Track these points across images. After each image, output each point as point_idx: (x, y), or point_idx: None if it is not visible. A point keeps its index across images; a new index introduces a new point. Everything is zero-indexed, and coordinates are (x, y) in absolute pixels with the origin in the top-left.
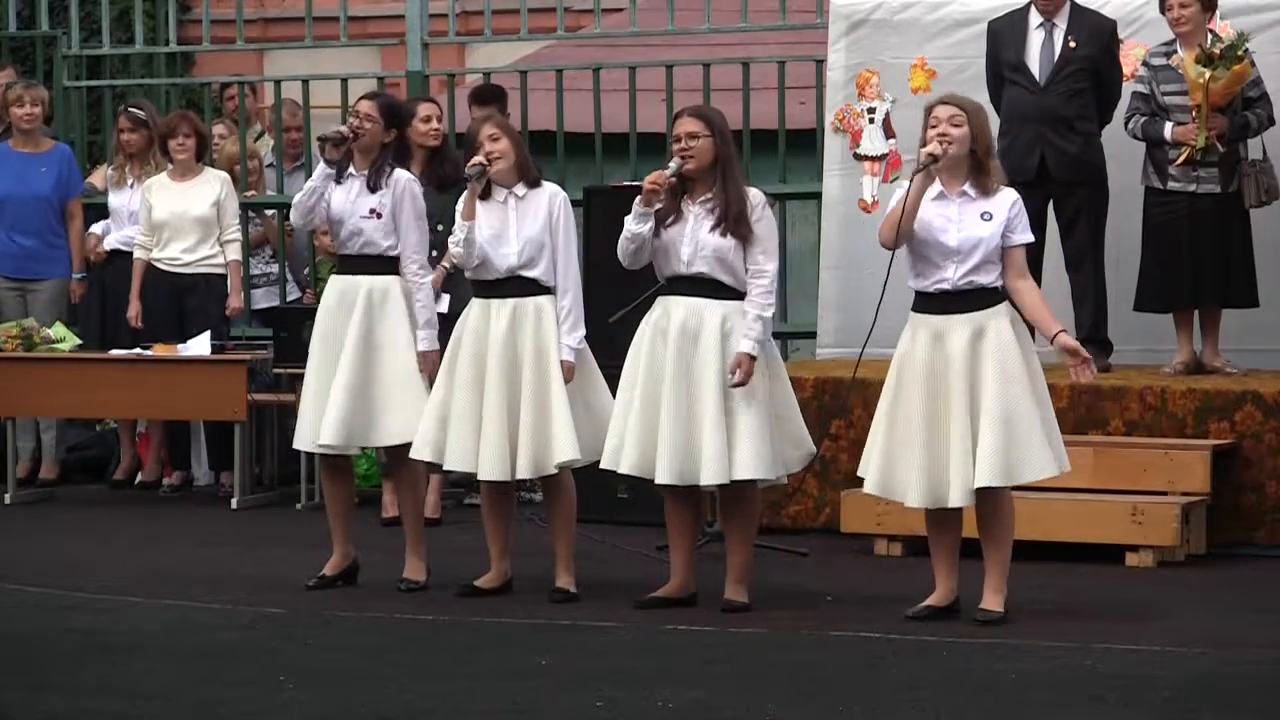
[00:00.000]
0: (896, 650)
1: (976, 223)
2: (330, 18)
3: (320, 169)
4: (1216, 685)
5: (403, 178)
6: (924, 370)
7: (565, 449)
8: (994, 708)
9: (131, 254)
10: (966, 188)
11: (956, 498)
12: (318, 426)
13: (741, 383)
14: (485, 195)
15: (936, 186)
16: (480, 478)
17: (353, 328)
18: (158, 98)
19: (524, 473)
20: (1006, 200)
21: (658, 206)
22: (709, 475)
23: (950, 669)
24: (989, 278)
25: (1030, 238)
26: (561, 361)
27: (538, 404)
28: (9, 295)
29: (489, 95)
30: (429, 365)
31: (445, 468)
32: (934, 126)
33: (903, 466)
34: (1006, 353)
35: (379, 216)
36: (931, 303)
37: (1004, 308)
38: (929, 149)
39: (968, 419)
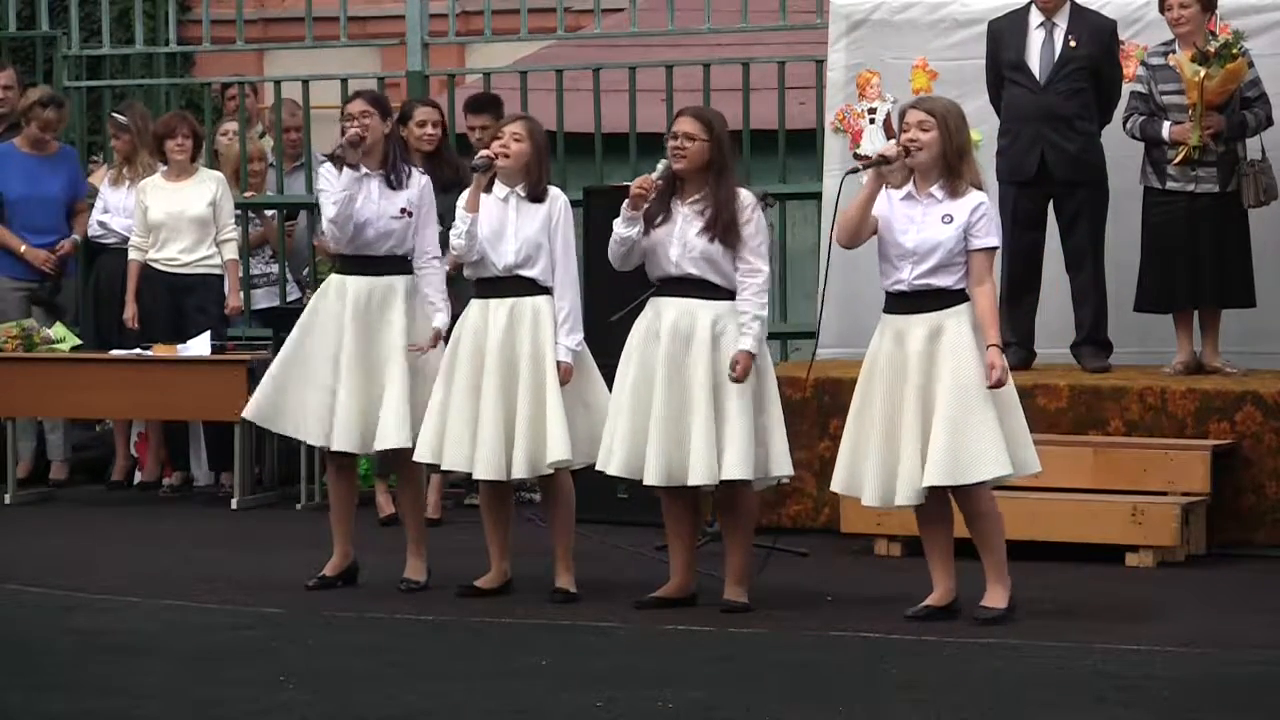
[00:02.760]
0: (896, 650)
1: (936, 225)
2: (330, 18)
3: (349, 174)
4: (1216, 685)
5: (422, 176)
6: (886, 370)
7: (558, 449)
8: (994, 708)
9: (116, 249)
10: (935, 189)
11: (904, 496)
12: (370, 429)
13: (740, 379)
14: (488, 191)
15: (908, 187)
16: (475, 476)
17: (400, 331)
18: (158, 98)
19: (519, 472)
20: (970, 203)
21: (644, 210)
22: (697, 476)
23: (950, 669)
24: (948, 280)
25: (993, 243)
26: (558, 363)
27: (533, 404)
28: (16, 296)
29: (483, 104)
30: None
31: (443, 467)
32: (905, 130)
33: (863, 464)
34: (961, 353)
35: (410, 215)
36: (893, 303)
37: (965, 308)
38: (881, 149)
39: (919, 418)
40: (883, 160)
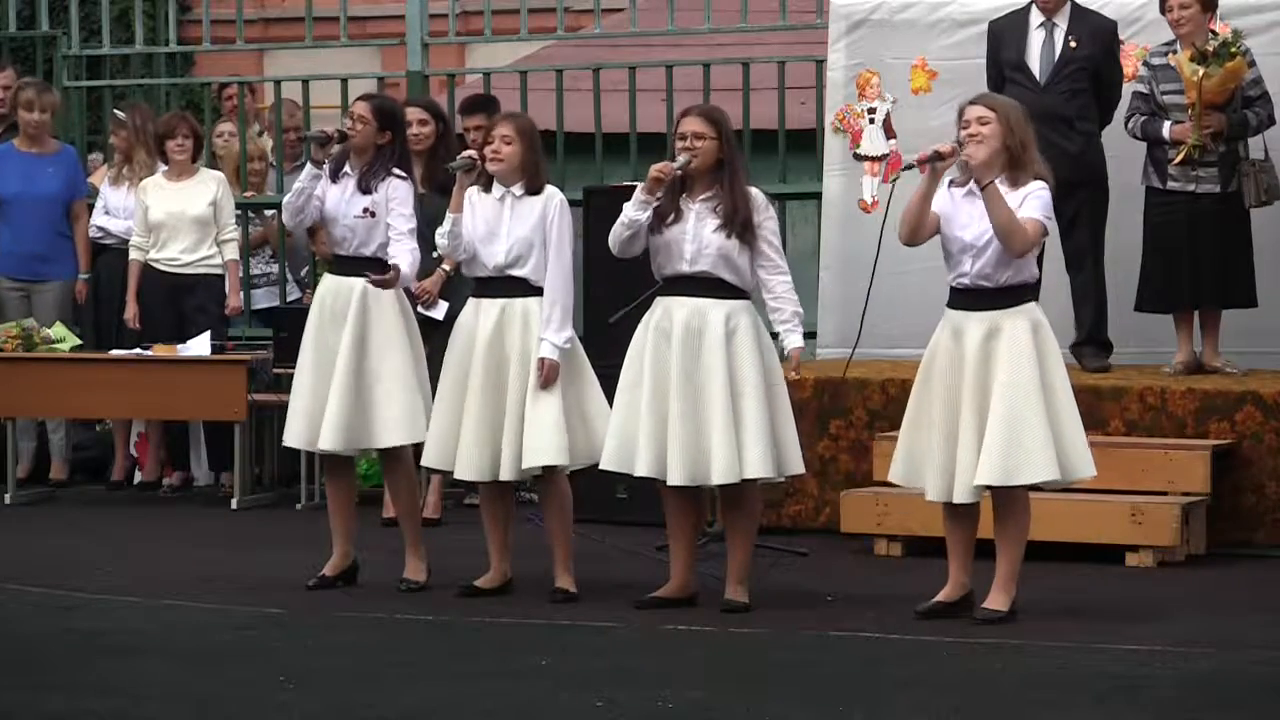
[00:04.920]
0: (896, 650)
1: None
2: (330, 18)
3: (308, 169)
4: (1216, 685)
5: (394, 178)
6: (944, 365)
7: (544, 453)
8: (994, 708)
9: (116, 249)
10: (997, 183)
11: (961, 494)
12: (315, 428)
13: (798, 374)
14: (487, 190)
15: (970, 184)
16: (456, 476)
17: (348, 329)
18: (158, 98)
19: (506, 474)
20: (1026, 190)
21: (659, 196)
22: (720, 475)
23: (950, 669)
24: (1007, 277)
25: (1036, 215)
26: (541, 360)
27: (521, 406)
28: (13, 296)
29: (477, 105)
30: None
31: (422, 464)
32: (965, 127)
33: (924, 458)
34: (1019, 355)
35: (372, 216)
36: (955, 298)
37: (1026, 309)
38: (937, 146)
39: (976, 418)
40: (937, 156)
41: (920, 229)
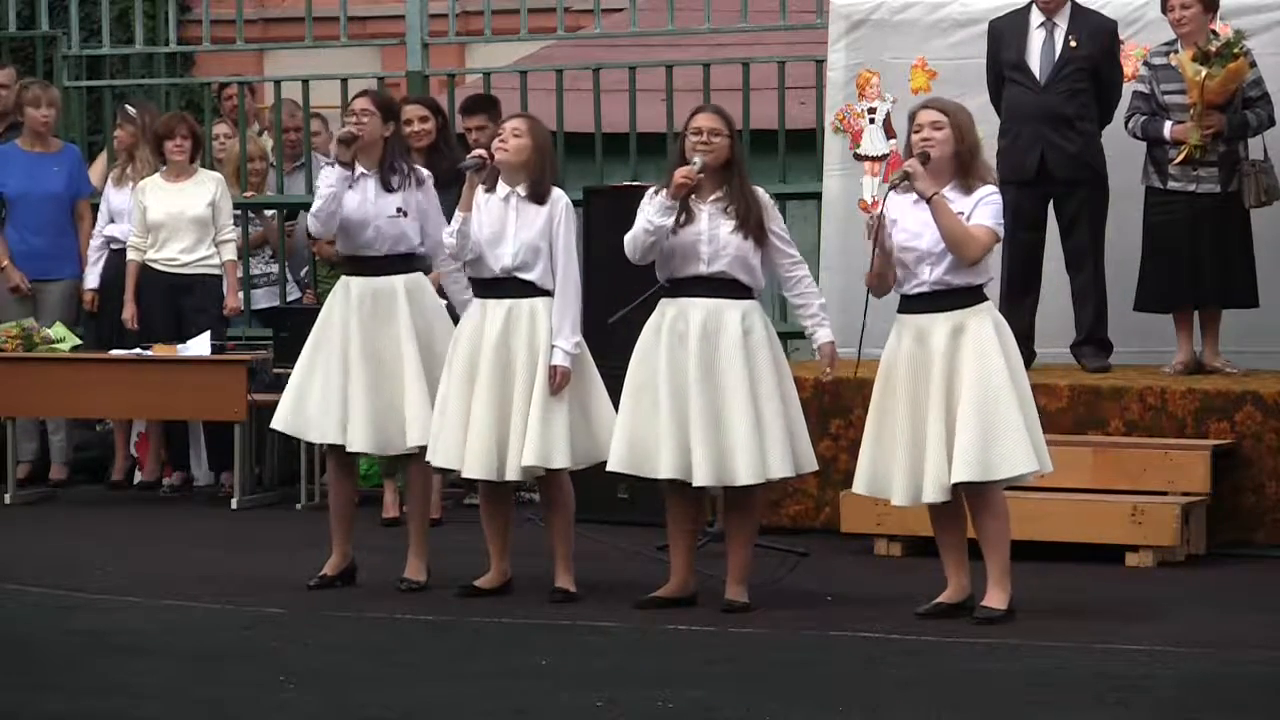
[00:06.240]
0: (896, 650)
1: None
2: (330, 18)
3: (338, 172)
4: (1216, 685)
5: (424, 173)
6: (907, 370)
7: (549, 455)
8: (994, 708)
9: (116, 249)
10: (948, 190)
11: (931, 493)
12: (395, 430)
13: (833, 370)
14: (491, 190)
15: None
16: (464, 475)
17: (404, 325)
18: (158, 98)
19: (512, 474)
20: (978, 195)
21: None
22: (746, 475)
23: (950, 669)
24: (967, 278)
25: (987, 223)
26: (554, 367)
27: (527, 406)
28: (15, 295)
29: (478, 105)
30: None
31: (434, 464)
32: (917, 131)
33: (889, 465)
34: (986, 351)
35: (404, 215)
36: (913, 303)
37: (986, 307)
38: (904, 165)
39: (944, 416)
40: (906, 176)
41: (889, 277)
